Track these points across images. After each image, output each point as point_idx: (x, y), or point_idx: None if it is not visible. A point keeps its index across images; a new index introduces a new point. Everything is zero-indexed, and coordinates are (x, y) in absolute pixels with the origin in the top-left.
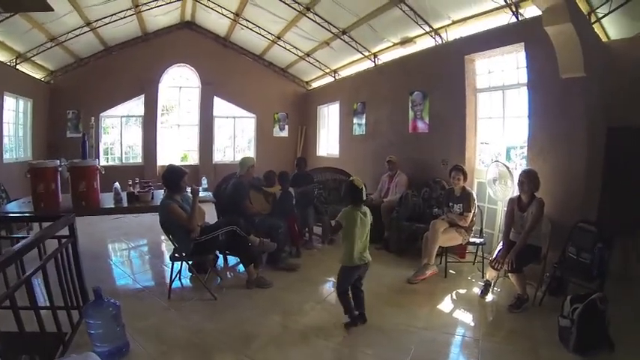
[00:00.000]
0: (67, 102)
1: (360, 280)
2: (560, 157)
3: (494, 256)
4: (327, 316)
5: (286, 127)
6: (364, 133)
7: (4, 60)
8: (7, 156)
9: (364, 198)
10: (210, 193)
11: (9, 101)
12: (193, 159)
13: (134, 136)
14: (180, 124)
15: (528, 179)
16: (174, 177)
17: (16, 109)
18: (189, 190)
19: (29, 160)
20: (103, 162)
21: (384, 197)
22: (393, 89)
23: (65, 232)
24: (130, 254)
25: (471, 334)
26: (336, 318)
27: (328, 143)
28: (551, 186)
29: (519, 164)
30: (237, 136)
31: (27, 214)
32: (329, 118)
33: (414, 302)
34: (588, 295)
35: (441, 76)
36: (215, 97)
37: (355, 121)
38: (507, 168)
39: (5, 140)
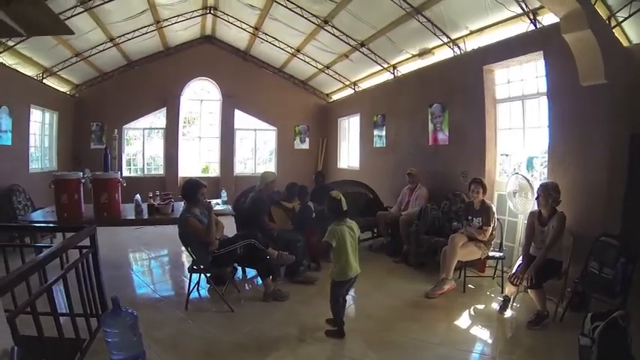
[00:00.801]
0: (91, 114)
1: (347, 291)
2: (582, 168)
3: (513, 271)
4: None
5: (307, 139)
6: (384, 145)
7: (32, 74)
8: (33, 166)
9: (344, 208)
10: (229, 207)
11: (35, 113)
12: (214, 171)
13: (156, 148)
14: (202, 136)
15: (545, 193)
16: (191, 189)
17: (42, 120)
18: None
19: (54, 170)
20: (125, 173)
21: (404, 210)
22: (413, 101)
23: (87, 242)
24: (150, 264)
25: (488, 352)
26: (352, 334)
27: (349, 155)
28: (572, 198)
29: (542, 173)
30: (258, 149)
31: (51, 224)
32: (349, 130)
33: (431, 317)
34: (610, 313)
35: (460, 87)
36: (236, 110)
37: (375, 133)
38: (527, 180)
39: (31, 150)
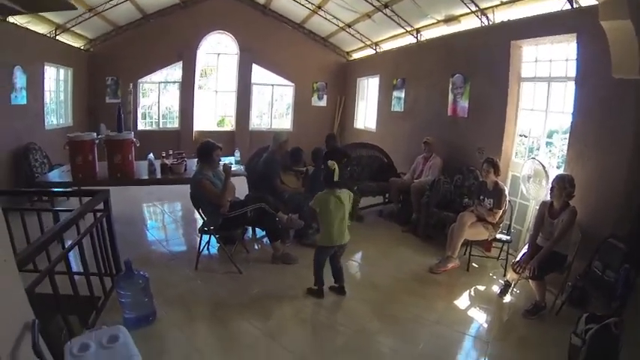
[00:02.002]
0: (106, 69)
1: (337, 257)
2: (601, 164)
3: (517, 258)
4: (344, 299)
5: (325, 96)
6: (402, 110)
7: (44, 32)
8: (48, 123)
9: (335, 179)
10: (242, 167)
11: (50, 70)
12: (231, 124)
13: (172, 99)
14: (218, 90)
15: (560, 185)
16: (206, 149)
17: (57, 77)
18: (222, 164)
19: (70, 127)
20: (140, 127)
21: (417, 178)
22: (434, 69)
23: (101, 206)
24: (163, 220)
25: (482, 336)
26: (355, 303)
27: (366, 116)
28: (586, 193)
29: (561, 150)
30: (275, 104)
31: (67, 190)
32: (368, 90)
33: (432, 293)
34: (605, 317)
35: (485, 59)
36: (253, 65)
37: (394, 97)
38: (543, 167)
39: (47, 108)
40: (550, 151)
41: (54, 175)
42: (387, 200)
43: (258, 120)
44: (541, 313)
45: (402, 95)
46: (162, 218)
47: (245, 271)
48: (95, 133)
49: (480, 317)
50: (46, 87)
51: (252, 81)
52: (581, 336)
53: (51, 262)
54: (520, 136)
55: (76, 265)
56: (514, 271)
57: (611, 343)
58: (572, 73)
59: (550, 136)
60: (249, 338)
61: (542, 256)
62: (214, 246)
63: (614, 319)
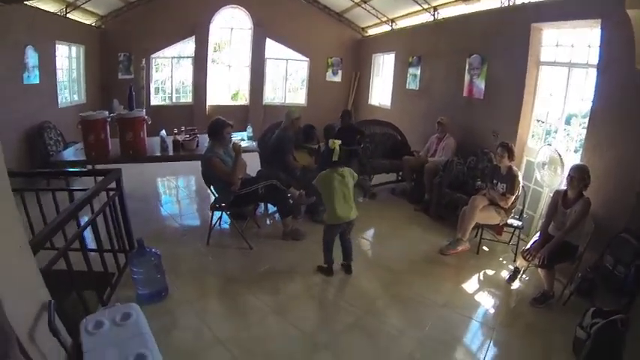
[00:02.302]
0: (118, 45)
1: (346, 234)
2: (619, 154)
3: (528, 246)
4: (351, 279)
5: (340, 72)
6: (417, 88)
7: (54, 10)
8: (62, 101)
9: (336, 159)
10: (254, 143)
11: (61, 49)
12: (245, 98)
13: (185, 74)
14: (232, 64)
15: (579, 175)
16: (217, 127)
17: (69, 55)
18: (234, 139)
19: (83, 104)
20: (153, 102)
21: (430, 157)
22: (451, 48)
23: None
24: (176, 195)
25: (488, 321)
26: (364, 281)
27: (381, 93)
28: (602, 184)
29: (579, 134)
30: (288, 79)
31: (80, 170)
32: (383, 67)
33: (441, 275)
34: (612, 313)
35: (503, 41)
36: (267, 39)
37: (409, 74)
38: (559, 155)
39: (60, 86)
40: (568, 134)
41: (68, 154)
42: (400, 178)
43: (272, 94)
44: (549, 302)
45: (418, 73)
46: (176, 193)
47: (256, 246)
48: (107, 112)
49: (487, 302)
50: (59, 65)
51: (266, 56)
52: (586, 330)
53: (66, 242)
54: (537, 121)
55: (92, 242)
56: (524, 258)
57: (615, 340)
58: (594, 60)
59: (568, 121)
60: (258, 314)
61: (553, 246)
62: (226, 221)
63: (621, 316)
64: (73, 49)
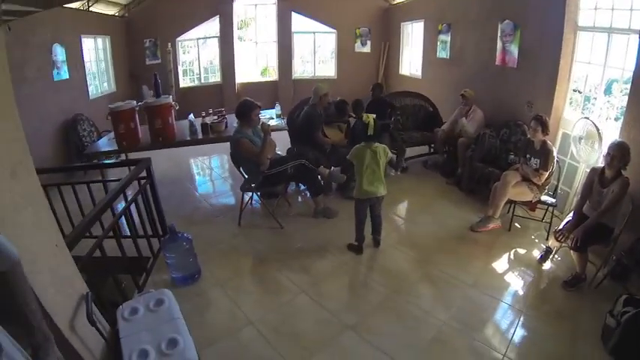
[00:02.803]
0: (143, 32)
1: (376, 209)
2: None
3: (561, 226)
4: (381, 257)
5: (368, 42)
6: (448, 57)
7: (77, 6)
8: (92, 92)
9: (369, 133)
10: (282, 121)
11: (87, 42)
12: (274, 72)
13: (212, 53)
14: (258, 41)
15: (620, 154)
16: (245, 109)
17: (95, 47)
18: (263, 117)
19: (113, 93)
20: (182, 84)
21: (459, 131)
22: (482, 14)
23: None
24: (207, 176)
25: (516, 304)
26: (394, 259)
27: (411, 62)
28: None
29: (621, 101)
30: (317, 52)
31: (112, 162)
32: (412, 35)
33: (470, 253)
34: None
35: (537, 5)
36: (293, 13)
37: (439, 43)
38: (597, 129)
39: (89, 78)
40: (608, 101)
41: (102, 144)
42: (432, 151)
43: (302, 68)
44: (580, 285)
45: (448, 42)
46: (207, 174)
47: (286, 225)
48: (135, 101)
49: (516, 283)
50: (86, 58)
51: (293, 30)
52: (616, 317)
53: (103, 232)
54: (574, 91)
55: (129, 228)
56: (556, 239)
57: None
58: (637, 25)
59: (609, 89)
60: (288, 294)
61: (587, 227)
62: (257, 201)
63: None
64: (99, 40)
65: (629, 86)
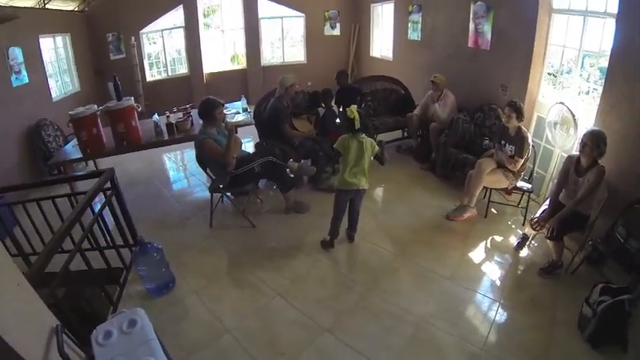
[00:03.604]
0: (105, 26)
1: (356, 204)
2: (639, 118)
3: (537, 214)
4: (355, 253)
5: (338, 25)
6: (419, 39)
7: (32, 4)
8: (55, 94)
9: (357, 127)
10: (249, 115)
11: (46, 42)
12: (244, 61)
13: (179, 44)
14: (225, 28)
15: (594, 143)
16: (207, 108)
17: (55, 46)
18: (229, 111)
19: (78, 92)
20: (149, 77)
21: (431, 115)
22: None
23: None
24: (177, 175)
25: (492, 295)
26: (370, 253)
27: (382, 44)
28: (619, 148)
29: (594, 76)
30: (285, 37)
31: (77, 175)
32: (383, 17)
33: (447, 244)
34: (620, 292)
35: None
36: None
37: (410, 24)
38: (573, 115)
39: (51, 81)
40: (581, 75)
41: (67, 151)
42: (405, 135)
43: (271, 55)
44: (556, 272)
45: (419, 23)
46: (177, 173)
47: (258, 223)
48: (95, 105)
49: (493, 273)
50: (46, 59)
51: (260, 15)
52: (593, 307)
53: (66, 260)
54: (549, 74)
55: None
56: (532, 228)
57: (621, 321)
58: (614, 9)
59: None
60: (263, 299)
61: (563, 216)
62: (229, 199)
63: (629, 297)
64: (59, 39)
65: (599, 60)
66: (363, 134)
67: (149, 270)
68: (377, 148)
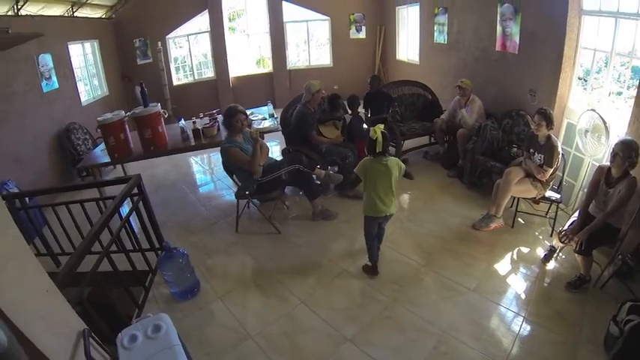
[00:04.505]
0: (132, 32)
1: (382, 224)
2: None
3: (565, 226)
4: (382, 260)
5: (363, 28)
6: (446, 42)
7: (61, 13)
8: (84, 98)
9: (380, 150)
10: (276, 120)
11: (75, 48)
12: (270, 64)
13: (205, 47)
14: (250, 32)
15: (625, 153)
16: (226, 116)
17: (84, 52)
18: (255, 117)
19: (106, 96)
20: (175, 82)
21: (459, 121)
22: None
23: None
24: (204, 179)
25: (517, 309)
26: (394, 264)
27: (408, 47)
28: None
29: (626, 77)
30: (311, 40)
31: (106, 180)
32: (409, 19)
33: (472, 255)
34: None
35: None
36: (284, 2)
37: (436, 27)
38: (604, 122)
39: (80, 85)
40: (612, 76)
41: (95, 156)
42: (432, 141)
43: (296, 58)
44: (584, 286)
45: (445, 26)
46: (204, 177)
47: (284, 229)
48: (123, 111)
49: (519, 286)
50: (75, 64)
51: (285, 19)
52: (620, 325)
53: (93, 265)
54: (579, 79)
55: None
56: (560, 240)
57: None
58: None
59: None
60: (286, 306)
61: (593, 229)
62: (255, 204)
63: None
64: (87, 45)
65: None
66: (387, 157)
67: (174, 275)
68: (403, 166)
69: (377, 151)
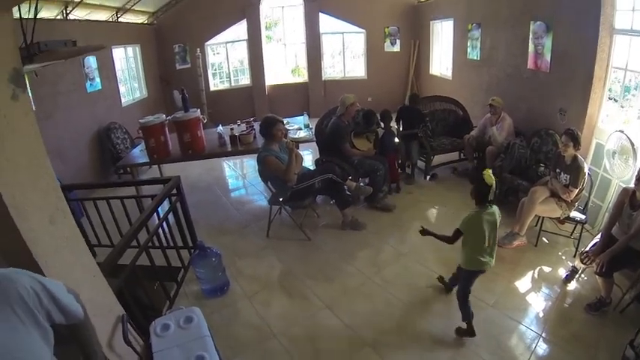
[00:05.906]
0: (172, 38)
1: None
2: None
3: (587, 247)
4: (404, 272)
5: (398, 41)
6: (478, 58)
7: (106, 18)
8: (125, 99)
9: (490, 198)
10: (310, 131)
11: (118, 52)
12: (305, 73)
13: (241, 54)
14: (287, 42)
15: None
16: (266, 126)
17: (126, 55)
18: (291, 127)
19: (145, 98)
20: (212, 87)
21: (488, 138)
22: (513, 13)
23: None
24: (238, 183)
25: (535, 328)
26: (419, 276)
27: (441, 62)
28: None
29: None
30: (346, 52)
31: (144, 179)
32: (442, 34)
33: (494, 271)
34: None
35: (571, 5)
36: (320, 14)
37: (470, 43)
38: (632, 144)
39: (121, 87)
40: None
41: (134, 155)
42: (462, 157)
43: (331, 69)
44: (604, 309)
45: (478, 43)
46: (238, 181)
47: (314, 237)
48: (164, 115)
49: (538, 304)
50: (117, 67)
51: (321, 31)
52: (636, 350)
53: (132, 259)
54: (610, 99)
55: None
56: (581, 262)
57: None
58: None
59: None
60: (311, 309)
61: (614, 252)
62: (287, 210)
63: None
64: (129, 49)
65: None
66: (492, 206)
67: (207, 272)
68: (499, 212)
69: (489, 198)
